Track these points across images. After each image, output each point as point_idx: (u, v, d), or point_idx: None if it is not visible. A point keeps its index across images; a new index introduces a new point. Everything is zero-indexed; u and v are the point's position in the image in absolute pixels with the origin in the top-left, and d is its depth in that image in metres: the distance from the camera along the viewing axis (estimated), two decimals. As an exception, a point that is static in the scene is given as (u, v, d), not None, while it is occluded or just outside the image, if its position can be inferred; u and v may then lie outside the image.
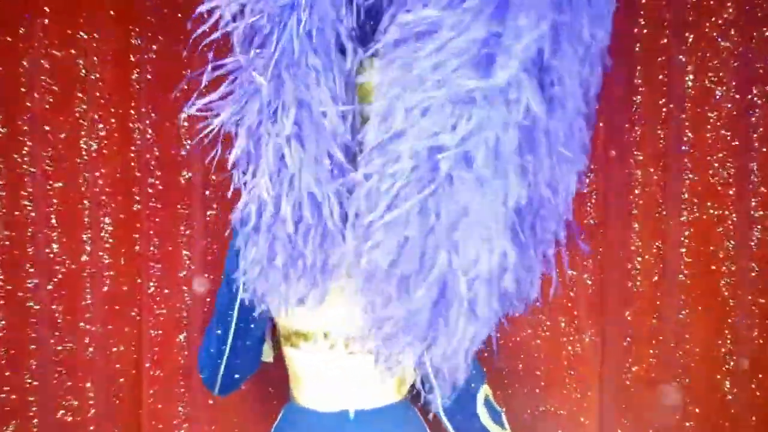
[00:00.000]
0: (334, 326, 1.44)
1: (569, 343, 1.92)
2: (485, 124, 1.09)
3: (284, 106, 1.23)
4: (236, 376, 1.52)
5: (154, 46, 1.86)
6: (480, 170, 1.10)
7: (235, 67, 1.27)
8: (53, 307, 1.92)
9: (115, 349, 1.93)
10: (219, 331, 1.48)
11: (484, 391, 1.51)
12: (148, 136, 1.88)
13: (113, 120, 1.90)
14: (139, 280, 1.92)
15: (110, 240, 1.92)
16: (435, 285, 1.17)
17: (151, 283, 1.90)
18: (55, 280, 1.91)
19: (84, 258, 1.93)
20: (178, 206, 1.90)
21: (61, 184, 1.90)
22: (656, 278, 1.88)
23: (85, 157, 1.90)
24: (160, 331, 1.90)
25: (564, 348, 1.92)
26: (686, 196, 1.86)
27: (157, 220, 1.89)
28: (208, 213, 1.90)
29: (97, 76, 1.88)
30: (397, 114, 1.14)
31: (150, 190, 1.88)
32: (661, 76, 1.85)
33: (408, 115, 1.13)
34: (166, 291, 1.90)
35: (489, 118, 1.09)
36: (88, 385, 1.95)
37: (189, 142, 1.86)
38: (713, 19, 1.81)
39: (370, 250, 1.20)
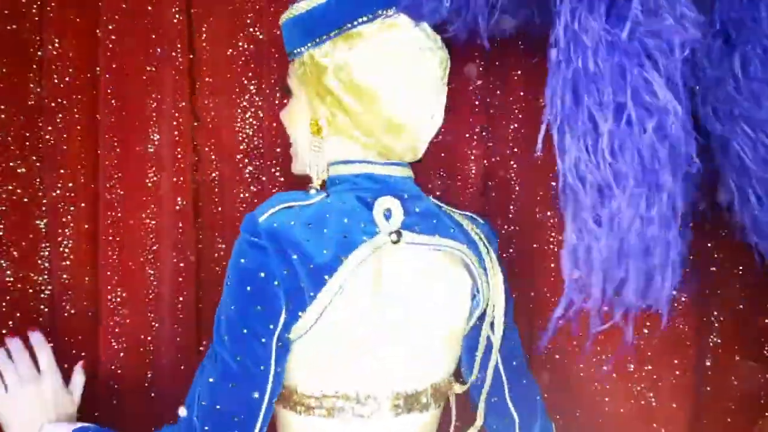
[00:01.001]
0: (383, 379, 1.10)
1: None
2: None
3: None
4: None
5: (117, 17, 1.49)
6: None
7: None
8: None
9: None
10: (236, 418, 1.07)
11: None
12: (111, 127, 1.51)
13: (77, 109, 1.55)
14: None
15: (71, 257, 1.55)
16: None
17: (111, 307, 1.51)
18: (4, 304, 1.54)
19: (41, 278, 1.57)
20: (143, 215, 1.52)
21: (11, 187, 1.54)
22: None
23: (42, 155, 1.54)
24: (120, 370, 1.50)
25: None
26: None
27: (120, 232, 1.52)
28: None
29: (56, 53, 1.52)
30: None
31: (109, 196, 1.51)
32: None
33: None
34: (128, 320, 1.51)
35: None
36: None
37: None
38: None
39: None
